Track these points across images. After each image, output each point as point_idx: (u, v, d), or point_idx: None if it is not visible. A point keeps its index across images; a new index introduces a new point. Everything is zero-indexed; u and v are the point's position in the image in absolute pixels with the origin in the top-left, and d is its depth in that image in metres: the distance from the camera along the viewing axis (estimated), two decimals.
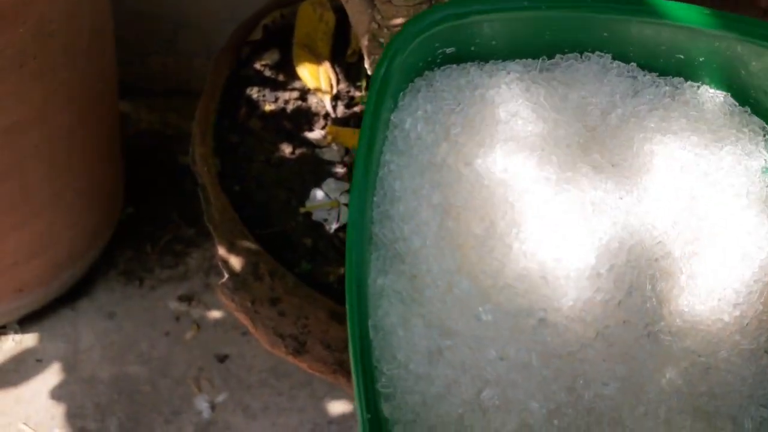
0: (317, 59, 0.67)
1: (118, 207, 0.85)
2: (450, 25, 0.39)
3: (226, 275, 0.50)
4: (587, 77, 0.42)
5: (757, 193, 0.40)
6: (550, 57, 0.42)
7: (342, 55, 0.69)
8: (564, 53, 0.42)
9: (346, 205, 0.59)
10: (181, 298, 0.82)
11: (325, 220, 0.59)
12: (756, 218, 0.39)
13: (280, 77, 0.67)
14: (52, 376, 0.76)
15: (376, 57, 0.54)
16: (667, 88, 0.42)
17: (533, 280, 0.36)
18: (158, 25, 0.96)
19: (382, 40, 0.53)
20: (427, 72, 0.42)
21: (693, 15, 0.39)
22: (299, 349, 0.46)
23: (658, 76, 0.43)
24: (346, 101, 0.67)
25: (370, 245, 0.36)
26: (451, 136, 0.39)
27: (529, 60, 0.42)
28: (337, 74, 0.68)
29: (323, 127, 0.65)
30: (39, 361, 0.77)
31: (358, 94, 0.67)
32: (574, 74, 0.42)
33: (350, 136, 0.63)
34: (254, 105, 0.64)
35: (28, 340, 0.78)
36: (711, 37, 0.40)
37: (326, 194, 0.60)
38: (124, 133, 0.96)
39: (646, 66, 0.43)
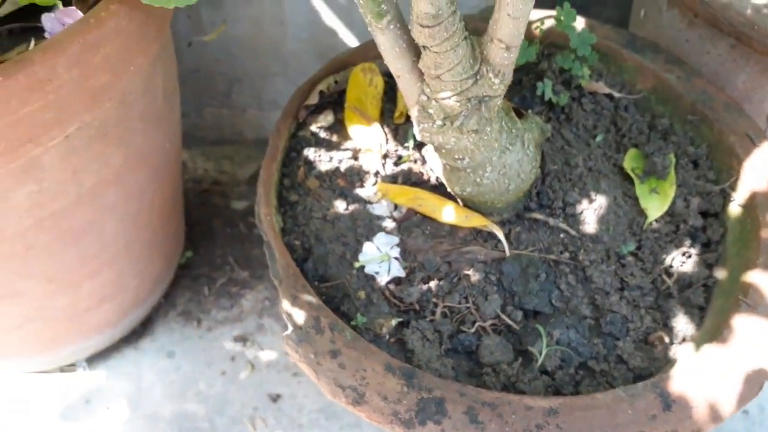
0: (367, 121, 0.72)
1: (178, 252, 0.91)
2: None
3: (291, 328, 0.54)
4: None
5: None
6: None
7: (390, 117, 0.73)
8: None
9: (396, 258, 0.63)
10: (236, 339, 0.87)
11: (377, 272, 0.63)
12: None
13: (334, 138, 0.72)
14: (117, 412, 0.81)
15: (425, 125, 0.59)
16: None
17: None
18: (214, 80, 1.03)
19: (431, 111, 0.58)
20: None
21: None
22: (358, 399, 0.49)
23: None
24: (394, 159, 0.71)
25: None
26: None
27: None
28: (385, 134, 0.72)
29: (374, 184, 0.69)
30: (105, 398, 0.82)
31: (405, 153, 0.71)
32: None
33: (398, 193, 0.68)
34: (311, 165, 0.69)
35: (95, 377, 0.84)
36: None
37: (377, 248, 0.64)
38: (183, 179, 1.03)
39: None
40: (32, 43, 0.55)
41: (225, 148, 1.10)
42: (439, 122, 0.58)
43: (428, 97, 0.57)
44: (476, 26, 0.77)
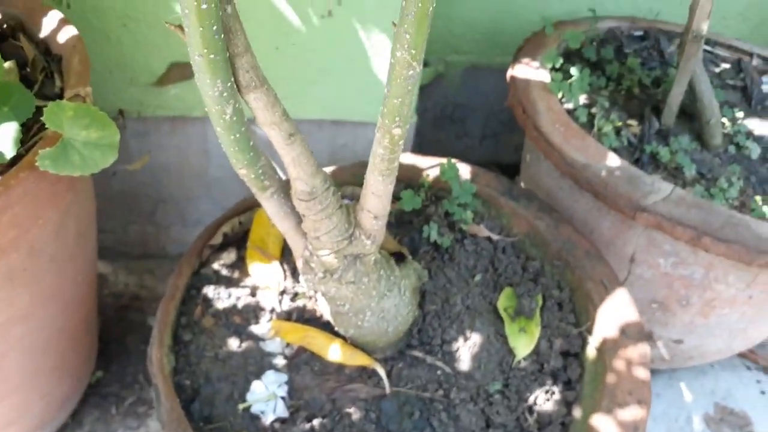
0: (268, 258, 0.78)
1: (89, 371, 0.93)
2: None
3: None
4: None
5: None
6: None
7: (290, 255, 0.80)
8: None
9: (282, 397, 0.68)
10: None
11: (263, 412, 0.67)
12: None
13: (236, 275, 0.78)
14: None
15: (309, 276, 0.65)
16: None
17: None
18: (139, 201, 1.09)
19: (313, 265, 0.64)
20: None
21: None
22: None
23: None
24: (291, 295, 0.77)
25: None
26: None
27: None
28: (284, 271, 0.79)
29: (269, 321, 0.75)
30: None
31: (301, 289, 0.77)
32: None
33: (289, 331, 0.73)
34: (209, 302, 0.75)
35: None
36: None
37: (266, 386, 0.69)
38: (101, 295, 1.06)
39: None
40: None
41: (148, 262, 1.14)
42: (320, 274, 0.64)
43: (310, 253, 0.64)
44: (356, 172, 0.85)
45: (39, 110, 0.70)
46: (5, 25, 0.85)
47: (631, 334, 0.71)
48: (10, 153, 0.62)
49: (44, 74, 0.80)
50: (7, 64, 0.77)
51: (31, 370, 0.76)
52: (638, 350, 0.69)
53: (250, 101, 0.54)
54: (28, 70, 0.80)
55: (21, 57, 0.80)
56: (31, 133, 0.70)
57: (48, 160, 0.61)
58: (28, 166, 0.63)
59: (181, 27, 0.48)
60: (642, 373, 0.67)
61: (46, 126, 0.63)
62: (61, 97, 0.76)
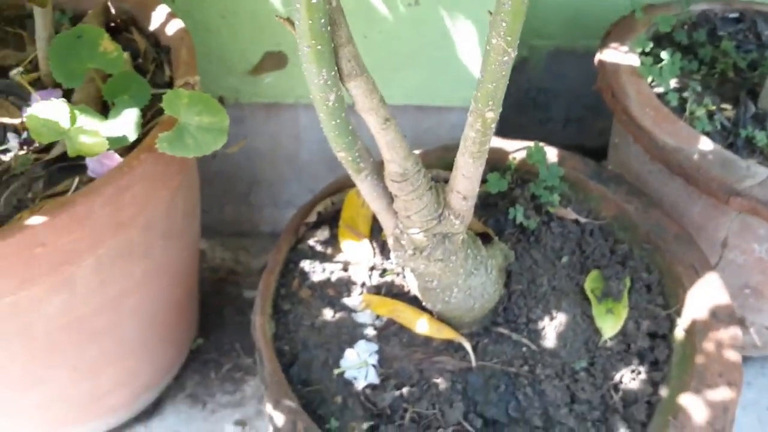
0: (358, 237, 0.82)
1: (190, 339, 1.01)
2: None
3: (271, 429, 0.63)
4: None
5: None
6: None
7: (379, 234, 0.83)
8: None
9: (373, 365, 0.72)
10: (237, 423, 0.96)
11: (355, 378, 0.71)
12: None
13: (329, 251, 0.82)
14: None
15: (399, 253, 0.69)
16: None
17: None
18: (235, 182, 1.15)
19: (403, 242, 0.67)
20: None
21: None
22: None
23: None
24: (380, 271, 0.81)
25: None
26: None
27: None
28: (374, 249, 0.82)
29: (360, 294, 0.79)
30: None
31: (389, 266, 0.81)
32: None
33: (379, 304, 0.77)
34: (305, 276, 0.79)
35: None
36: None
37: (358, 354, 0.73)
38: (200, 269, 1.14)
39: None
40: (76, 180, 0.67)
41: (243, 240, 1.21)
42: (410, 252, 0.67)
43: (401, 231, 0.67)
44: (441, 155, 0.88)
45: (153, 97, 0.77)
46: (119, 20, 0.92)
47: (721, 317, 0.70)
48: (132, 136, 0.68)
49: (155, 64, 0.86)
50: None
51: (142, 338, 0.83)
52: (729, 333, 0.69)
53: (350, 88, 0.57)
54: (140, 60, 0.87)
55: (133, 49, 0.87)
56: (146, 119, 0.76)
57: (166, 142, 0.66)
58: (146, 149, 0.69)
59: (289, 20, 0.52)
60: (733, 356, 0.67)
61: (163, 111, 0.69)
62: (170, 85, 0.82)
